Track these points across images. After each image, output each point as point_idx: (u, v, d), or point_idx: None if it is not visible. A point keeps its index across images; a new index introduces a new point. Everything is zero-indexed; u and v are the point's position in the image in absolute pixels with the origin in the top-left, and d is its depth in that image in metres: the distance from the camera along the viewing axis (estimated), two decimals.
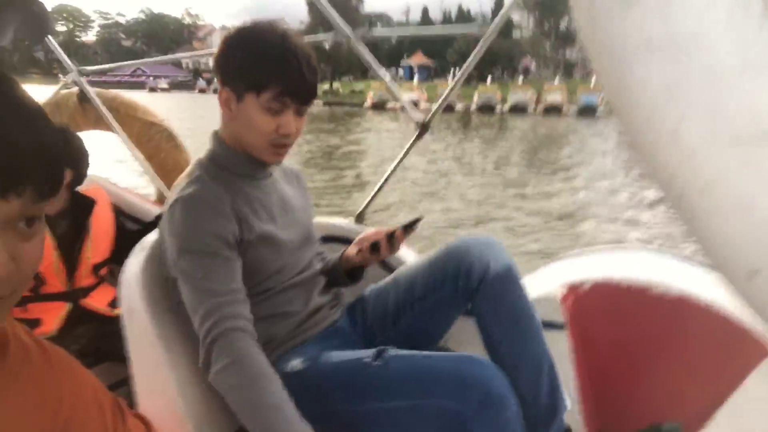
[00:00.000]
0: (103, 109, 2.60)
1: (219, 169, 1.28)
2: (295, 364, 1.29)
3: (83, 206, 1.99)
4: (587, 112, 33.13)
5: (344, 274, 1.51)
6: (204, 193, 1.20)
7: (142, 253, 1.41)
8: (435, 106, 1.94)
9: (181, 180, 1.27)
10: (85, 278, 1.97)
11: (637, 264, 1.62)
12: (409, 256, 1.76)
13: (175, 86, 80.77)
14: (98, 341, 1.93)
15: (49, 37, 2.50)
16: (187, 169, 1.30)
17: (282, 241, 1.32)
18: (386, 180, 2.06)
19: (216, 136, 1.33)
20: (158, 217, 2.24)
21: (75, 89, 2.82)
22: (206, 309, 1.14)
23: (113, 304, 2.01)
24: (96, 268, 2.00)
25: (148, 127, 2.91)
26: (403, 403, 1.17)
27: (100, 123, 2.70)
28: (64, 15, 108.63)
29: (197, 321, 1.15)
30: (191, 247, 1.16)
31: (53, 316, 1.88)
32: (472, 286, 1.33)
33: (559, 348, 1.55)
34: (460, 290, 1.35)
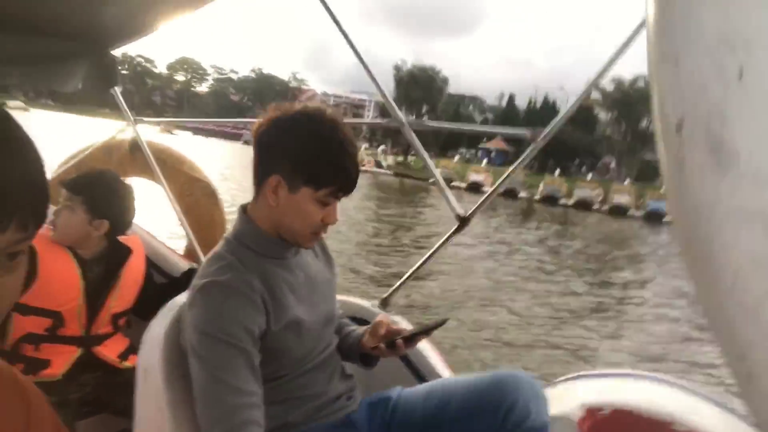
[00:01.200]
0: (152, 159, 2.67)
1: (247, 250, 1.27)
2: None
3: (119, 254, 2.01)
4: (654, 217, 33.11)
5: (358, 358, 1.48)
6: (237, 281, 1.19)
7: (169, 313, 1.40)
8: (478, 203, 1.93)
9: (212, 261, 1.25)
10: (103, 326, 1.95)
11: (661, 394, 1.55)
12: (438, 363, 1.72)
13: None
14: (101, 391, 1.89)
15: (115, 88, 2.63)
16: (215, 250, 1.29)
17: (308, 324, 1.30)
18: (416, 270, 2.04)
19: (245, 214, 1.33)
20: (185, 274, 2.25)
21: (129, 137, 2.93)
22: (221, 409, 1.11)
23: (123, 355, 1.98)
24: (115, 317, 1.99)
25: (191, 182, 2.98)
26: None
27: (146, 172, 2.77)
28: (185, 66, 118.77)
29: (207, 417, 1.12)
30: (214, 334, 1.14)
31: (64, 359, 1.85)
32: (506, 428, 1.27)
33: None
34: (493, 427, 1.28)
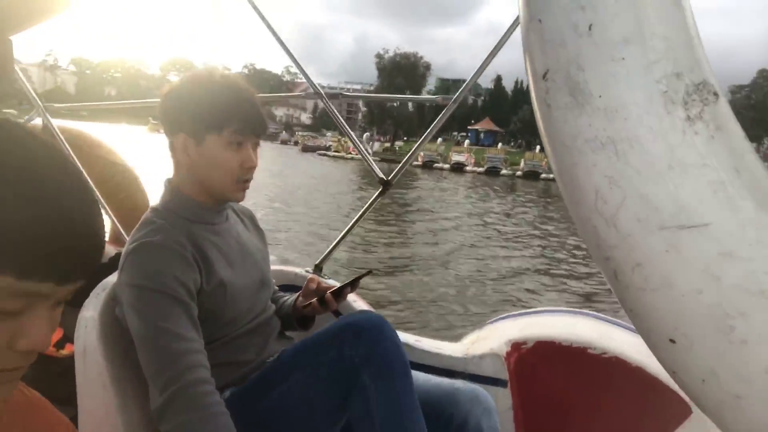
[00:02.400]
0: (66, 146, 2.58)
1: (176, 216, 1.29)
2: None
3: None
4: None
5: (296, 322, 1.53)
6: (168, 241, 1.20)
7: (102, 293, 1.40)
8: (398, 166, 2.03)
9: (141, 227, 1.26)
10: None
11: (577, 325, 1.72)
12: (362, 306, 1.81)
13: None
14: (39, 383, 1.86)
15: (18, 71, 2.51)
16: (144, 217, 1.30)
17: (240, 287, 1.33)
18: (345, 234, 2.12)
19: (169, 184, 1.35)
20: (113, 258, 2.22)
21: (39, 123, 2.80)
22: (166, 356, 1.12)
23: (58, 344, 1.95)
24: None
25: (110, 167, 2.89)
26: (299, 374, 1.26)
27: None
28: (177, 66, 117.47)
29: (153, 367, 1.13)
30: (151, 288, 1.15)
31: None
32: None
33: (502, 404, 1.63)
34: None
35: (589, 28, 0.52)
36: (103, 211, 2.36)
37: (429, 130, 2.03)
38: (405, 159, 2.10)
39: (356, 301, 1.80)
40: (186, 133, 1.26)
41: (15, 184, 0.47)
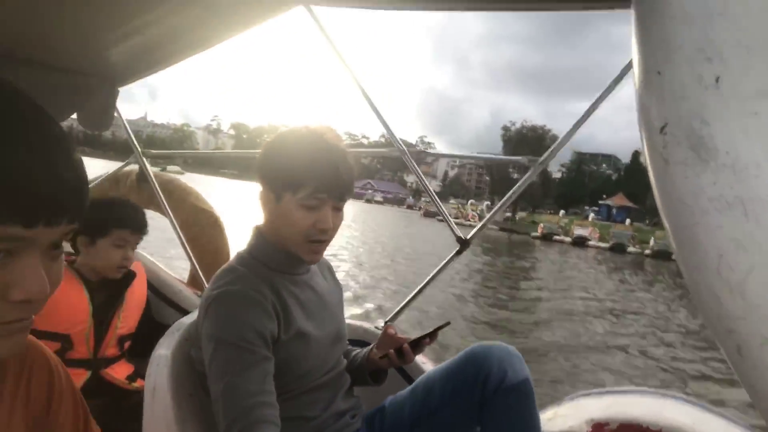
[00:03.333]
0: (158, 190, 2.72)
1: (259, 264, 1.32)
2: None
3: (124, 277, 2.04)
4: None
5: (368, 375, 1.51)
6: (248, 290, 1.22)
7: (176, 333, 1.44)
8: (478, 226, 1.99)
9: (224, 274, 1.28)
10: (110, 348, 1.97)
11: (665, 408, 1.57)
12: (427, 364, 1.74)
13: (389, 201, 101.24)
14: (109, 416, 1.89)
15: (121, 116, 2.71)
16: (229, 262, 1.33)
17: (316, 339, 1.32)
18: (419, 292, 2.08)
19: (257, 231, 1.38)
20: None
21: (135, 168, 2.98)
22: (237, 411, 1.13)
23: (130, 378, 1.99)
24: (121, 339, 2.01)
25: (196, 212, 3.02)
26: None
27: (152, 203, 2.82)
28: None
29: (225, 422, 1.14)
30: (230, 340, 1.17)
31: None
32: (487, 395, 1.33)
33: None
34: (476, 398, 1.35)
35: (717, 81, 0.49)
36: (186, 255, 2.47)
37: (512, 191, 1.99)
38: (484, 220, 2.06)
39: (425, 363, 1.73)
40: (268, 188, 1.29)
41: None
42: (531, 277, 18.45)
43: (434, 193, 2.22)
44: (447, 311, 10.12)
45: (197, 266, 2.53)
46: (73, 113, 2.49)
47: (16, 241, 0.51)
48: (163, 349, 1.40)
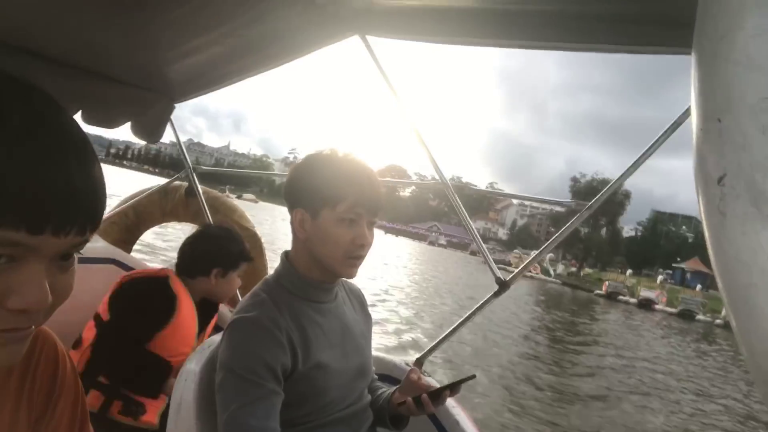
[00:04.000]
0: (205, 206, 2.78)
1: (283, 290, 1.30)
2: None
3: (211, 305, 2.12)
4: None
5: (389, 419, 1.44)
6: (263, 318, 1.20)
7: (207, 350, 1.43)
8: (518, 269, 1.95)
9: (247, 298, 1.28)
10: None
11: None
12: (465, 421, 1.67)
13: (453, 245, 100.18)
14: None
15: (175, 131, 2.79)
16: (254, 288, 1.33)
17: (337, 371, 1.29)
18: (452, 332, 2.03)
19: (285, 257, 1.37)
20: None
21: (185, 183, 3.05)
22: None
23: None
24: None
25: (239, 230, 3.05)
26: None
27: (198, 218, 2.87)
28: (392, 173, 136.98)
29: None
30: (238, 371, 1.15)
31: (155, 408, 1.88)
32: None
33: None
34: None
35: None
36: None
37: (556, 235, 1.94)
38: (525, 263, 2.02)
39: (459, 415, 1.67)
40: (304, 208, 1.28)
41: None
42: (596, 341, 16.47)
43: (477, 233, 2.18)
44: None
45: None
46: (127, 122, 2.56)
47: (20, 246, 0.49)
48: (192, 365, 1.40)
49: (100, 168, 0.56)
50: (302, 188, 1.30)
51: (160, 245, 12.20)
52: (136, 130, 2.60)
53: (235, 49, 2.01)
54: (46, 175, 0.49)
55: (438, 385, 1.38)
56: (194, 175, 2.91)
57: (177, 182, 3.17)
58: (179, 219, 3.23)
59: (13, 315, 0.51)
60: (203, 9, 1.69)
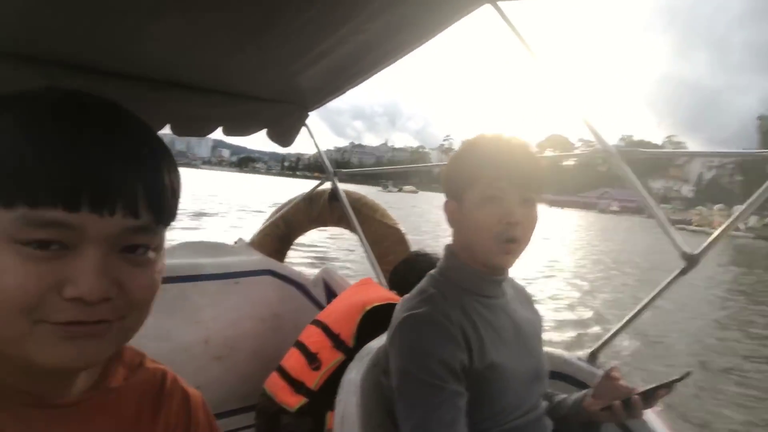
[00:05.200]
0: (349, 209, 2.76)
1: (450, 285, 1.22)
2: None
3: None
4: None
5: (579, 426, 1.27)
6: (435, 315, 1.11)
7: (366, 358, 1.37)
8: (710, 239, 1.56)
9: (414, 294, 1.22)
10: None
11: None
12: (654, 421, 1.39)
13: (628, 210, 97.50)
14: None
15: (313, 137, 2.83)
16: (420, 284, 1.26)
17: (512, 373, 1.16)
18: (630, 320, 1.72)
19: (448, 250, 1.29)
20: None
21: (328, 187, 3.08)
22: None
23: None
24: None
25: (384, 229, 3.02)
26: None
27: (343, 221, 2.87)
28: (553, 144, 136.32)
29: None
30: (416, 374, 1.07)
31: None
32: None
33: None
34: None
35: None
36: (374, 273, 2.45)
37: (758, 192, 1.52)
38: (717, 231, 1.61)
39: (653, 421, 1.39)
40: (452, 197, 1.23)
41: (16, 115, 0.50)
42: None
43: (650, 197, 1.82)
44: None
45: (386, 285, 2.48)
46: (262, 129, 2.65)
47: (64, 227, 0.49)
48: (353, 374, 1.34)
49: (158, 159, 0.55)
50: (448, 177, 1.25)
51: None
52: (272, 135, 2.68)
53: (362, 45, 1.95)
54: (76, 147, 0.50)
55: (645, 387, 1.17)
56: (336, 179, 2.92)
57: (321, 188, 3.22)
58: (326, 224, 3.29)
59: (72, 306, 0.50)
60: (324, 13, 1.65)
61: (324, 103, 2.67)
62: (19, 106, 0.51)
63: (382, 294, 2.12)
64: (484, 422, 1.13)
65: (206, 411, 0.76)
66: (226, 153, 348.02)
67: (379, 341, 1.40)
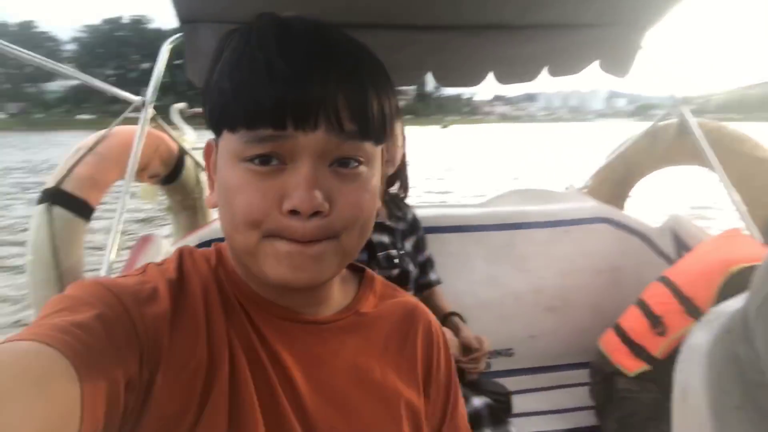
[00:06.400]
0: (703, 142, 2.27)
1: None
2: None
3: None
4: None
5: None
6: None
7: (714, 321, 1.13)
8: None
9: None
10: None
11: None
12: None
13: None
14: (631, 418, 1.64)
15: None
16: None
17: None
18: None
19: None
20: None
21: (674, 120, 2.62)
22: None
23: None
24: None
25: (755, 165, 2.40)
26: None
27: (696, 157, 2.39)
28: None
29: None
30: None
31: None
32: None
33: None
34: None
35: None
36: (739, 214, 1.98)
37: None
38: None
39: None
40: None
41: (233, 48, 0.56)
42: None
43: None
44: None
45: (758, 235, 1.97)
46: (593, 63, 2.38)
47: (277, 142, 0.53)
48: (698, 338, 1.12)
49: (362, 72, 0.56)
50: None
51: None
52: (604, 66, 2.37)
53: None
54: (279, 68, 0.52)
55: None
56: (686, 108, 2.44)
57: (666, 121, 2.74)
58: (675, 162, 2.79)
59: (289, 220, 0.53)
60: None
61: (663, 21, 2.25)
62: (233, 38, 0.57)
63: (753, 250, 1.70)
64: None
65: (446, 354, 0.78)
66: (621, 102, 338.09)
67: (734, 303, 1.14)
